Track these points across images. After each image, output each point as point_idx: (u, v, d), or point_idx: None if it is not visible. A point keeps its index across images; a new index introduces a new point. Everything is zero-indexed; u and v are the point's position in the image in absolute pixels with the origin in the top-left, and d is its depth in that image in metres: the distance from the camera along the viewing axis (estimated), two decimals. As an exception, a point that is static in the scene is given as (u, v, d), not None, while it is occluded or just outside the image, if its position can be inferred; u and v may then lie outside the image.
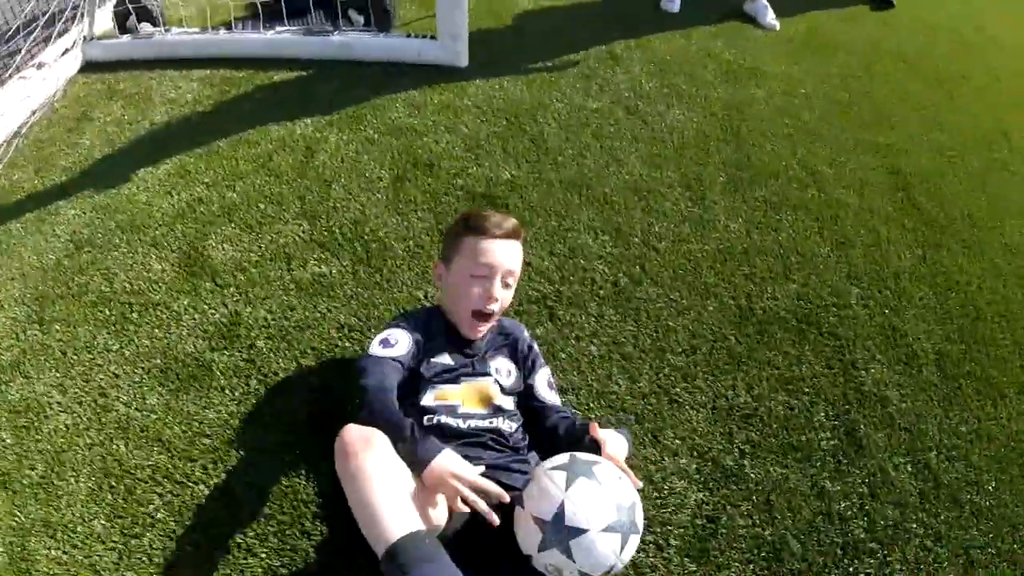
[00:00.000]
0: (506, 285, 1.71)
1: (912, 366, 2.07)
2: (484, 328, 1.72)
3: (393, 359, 1.61)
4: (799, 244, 2.47)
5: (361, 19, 3.53)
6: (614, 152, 2.86)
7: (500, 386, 1.68)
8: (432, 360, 1.67)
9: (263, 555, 1.60)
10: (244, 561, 1.59)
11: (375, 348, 1.65)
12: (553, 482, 1.32)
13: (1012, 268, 2.55)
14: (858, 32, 4.09)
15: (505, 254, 1.69)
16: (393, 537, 1.21)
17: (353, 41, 3.41)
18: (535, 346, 1.84)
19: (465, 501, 1.32)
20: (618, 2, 4.06)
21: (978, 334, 2.23)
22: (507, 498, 1.35)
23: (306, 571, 1.58)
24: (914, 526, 1.71)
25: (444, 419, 1.58)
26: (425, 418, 1.58)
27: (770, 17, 4.01)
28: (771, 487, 1.75)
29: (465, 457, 1.43)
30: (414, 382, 1.64)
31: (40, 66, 3.20)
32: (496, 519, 1.32)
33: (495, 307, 1.68)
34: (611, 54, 3.53)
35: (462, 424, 1.58)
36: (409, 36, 3.47)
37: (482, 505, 1.32)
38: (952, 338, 2.20)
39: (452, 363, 1.67)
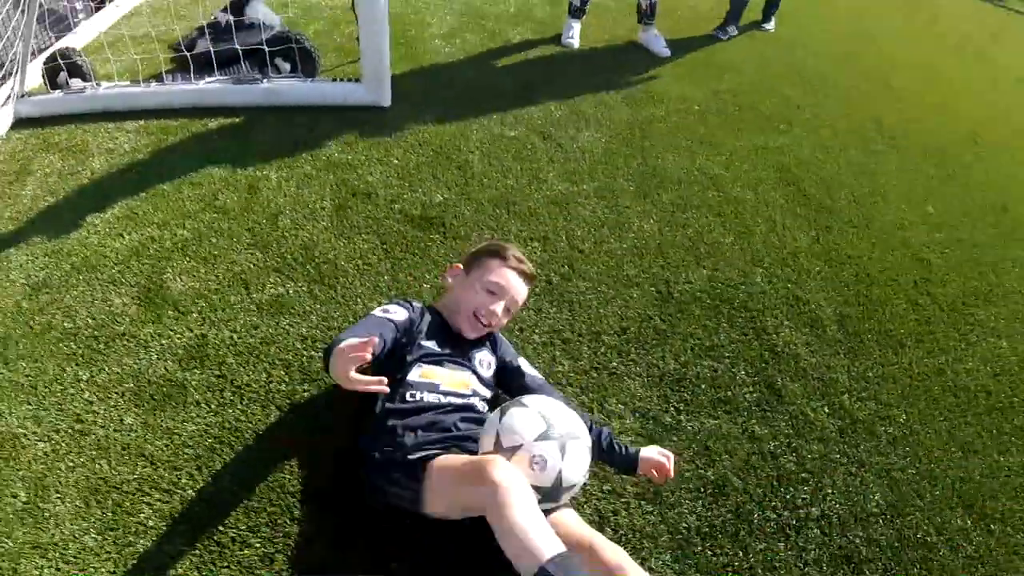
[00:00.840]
0: (506, 310, 1.95)
1: (817, 327, 2.38)
2: (475, 334, 1.93)
3: (388, 319, 1.81)
4: (705, 236, 2.78)
5: (288, 66, 3.71)
6: (534, 172, 3.12)
7: (479, 376, 1.89)
8: (423, 343, 1.86)
9: (257, 544, 1.73)
10: (240, 552, 1.71)
11: (374, 311, 1.84)
12: (489, 420, 1.57)
13: (897, 239, 2.95)
14: (747, 52, 4.57)
15: (518, 285, 1.98)
16: (544, 557, 1.31)
17: (282, 88, 3.59)
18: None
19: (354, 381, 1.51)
20: (525, 44, 4.39)
21: (873, 296, 2.58)
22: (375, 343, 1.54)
23: (301, 555, 1.71)
24: (838, 456, 1.98)
25: (426, 396, 1.77)
26: (408, 394, 1.77)
27: (661, 45, 4.42)
28: (707, 436, 2.00)
29: (438, 424, 1.63)
30: (401, 360, 1.83)
31: (-30, 122, 3.25)
32: (385, 388, 1.54)
33: (494, 322, 1.91)
34: (524, 87, 3.83)
35: (442, 399, 1.78)
36: (335, 80, 3.67)
37: (363, 387, 1.52)
38: (851, 302, 2.53)
39: (439, 349, 1.87)
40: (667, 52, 4.40)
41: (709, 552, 1.74)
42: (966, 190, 3.43)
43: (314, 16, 4.53)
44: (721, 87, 4.05)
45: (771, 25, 4.76)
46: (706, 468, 1.93)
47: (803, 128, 3.71)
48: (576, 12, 4.41)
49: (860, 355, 2.32)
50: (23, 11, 3.35)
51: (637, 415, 2.05)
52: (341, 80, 3.67)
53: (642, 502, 1.84)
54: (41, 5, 3.54)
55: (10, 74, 3.44)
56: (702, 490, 1.88)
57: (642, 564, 1.63)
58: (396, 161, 3.15)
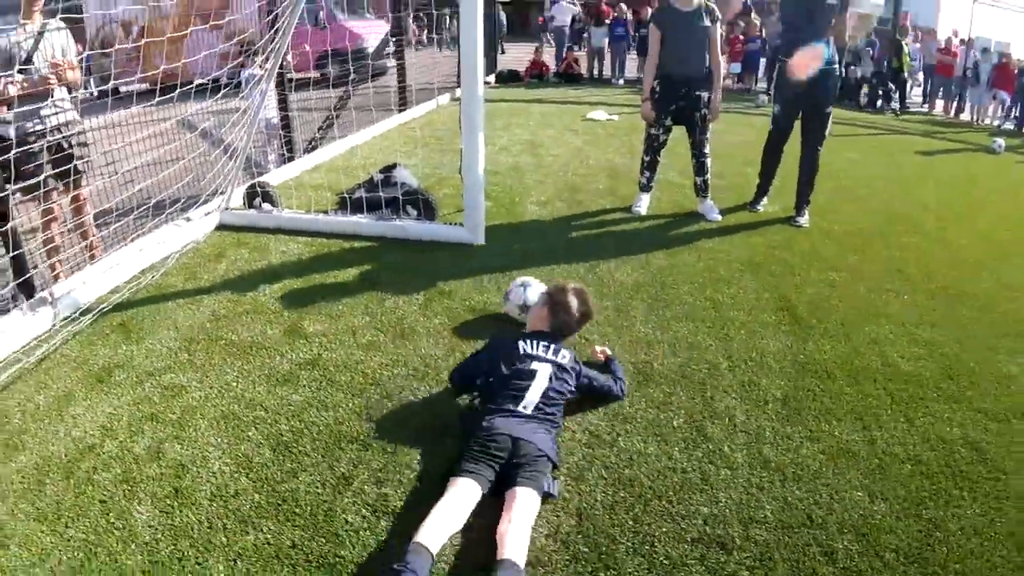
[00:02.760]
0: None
1: (760, 402, 3.03)
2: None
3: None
4: (691, 338, 3.55)
5: (414, 212, 5.04)
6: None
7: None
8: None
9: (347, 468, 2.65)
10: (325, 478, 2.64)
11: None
12: None
13: (868, 345, 3.54)
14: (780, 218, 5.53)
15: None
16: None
17: (409, 226, 4.90)
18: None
19: None
20: (603, 211, 5.55)
21: (823, 385, 3.16)
22: None
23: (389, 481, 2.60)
24: (742, 482, 2.52)
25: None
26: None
27: (714, 213, 5.41)
28: (634, 452, 2.74)
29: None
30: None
31: (188, 219, 4.73)
32: None
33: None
34: (586, 239, 4.93)
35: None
36: (446, 224, 4.95)
37: None
38: (800, 387, 3.13)
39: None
40: (718, 218, 5.37)
41: (608, 519, 2.38)
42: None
43: (441, 181, 5.98)
44: (758, 240, 4.94)
45: (804, 220, 5.36)
46: (624, 469, 2.62)
47: (818, 272, 4.41)
48: (644, 188, 5.54)
49: (792, 422, 2.93)
50: (233, 159, 4.93)
51: (587, 434, 2.83)
52: (450, 224, 4.93)
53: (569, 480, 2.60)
54: (247, 157, 5.14)
55: (221, 194, 4.96)
56: (614, 481, 2.56)
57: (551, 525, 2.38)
58: (473, 277, 4.23)
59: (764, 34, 14.59)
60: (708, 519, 2.39)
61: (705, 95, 5.08)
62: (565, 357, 2.84)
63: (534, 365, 2.73)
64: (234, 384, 3.11)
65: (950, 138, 10.35)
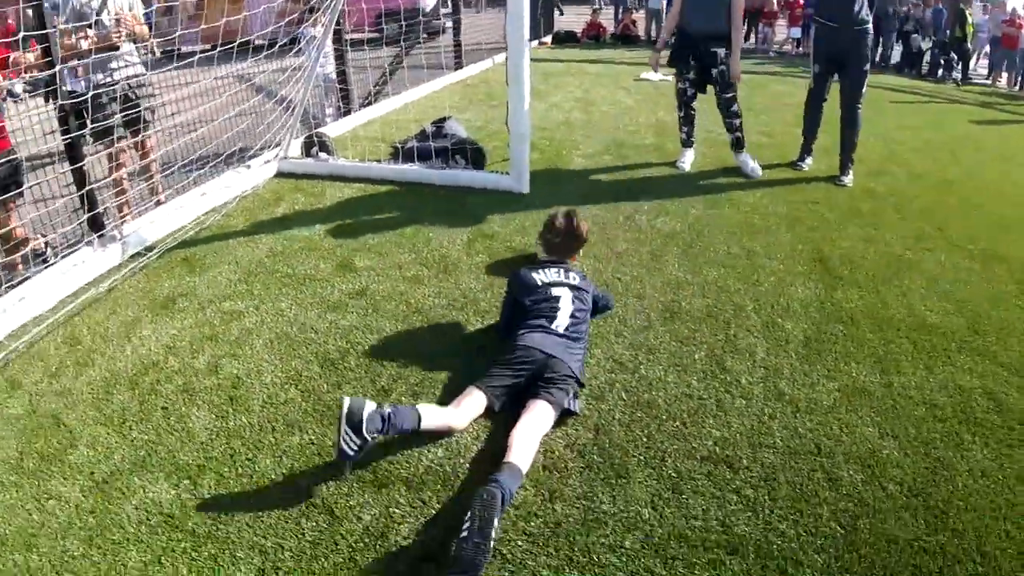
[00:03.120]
0: None
1: (780, 341, 3.17)
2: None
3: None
4: (720, 282, 3.64)
5: (463, 161, 5.22)
6: (609, 240, 4.17)
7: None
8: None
9: (359, 378, 2.88)
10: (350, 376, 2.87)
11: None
12: None
13: (895, 296, 3.57)
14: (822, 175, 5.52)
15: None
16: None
17: (457, 173, 5.08)
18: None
19: None
20: (647, 166, 5.64)
21: (847, 331, 3.26)
22: None
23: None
24: (755, 412, 2.67)
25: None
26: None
27: (750, 167, 5.40)
28: (655, 380, 2.90)
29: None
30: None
31: (248, 167, 5.01)
32: None
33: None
34: (629, 190, 5.03)
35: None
36: (493, 172, 5.12)
37: None
38: (823, 330, 3.21)
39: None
40: (758, 173, 5.36)
41: (623, 435, 2.55)
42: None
43: (492, 135, 6.14)
44: (795, 198, 4.95)
45: (848, 179, 5.34)
46: (643, 393, 2.78)
47: (859, 229, 4.41)
48: (685, 143, 5.58)
49: (811, 362, 3.04)
50: (291, 112, 5.17)
51: (611, 361, 2.99)
52: (497, 172, 5.09)
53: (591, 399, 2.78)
54: (305, 110, 5.38)
55: (279, 144, 5.22)
56: (632, 403, 2.73)
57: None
58: (516, 221, 4.40)
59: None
60: (718, 441, 2.54)
61: (721, 51, 5.07)
62: (575, 278, 3.00)
63: (555, 291, 2.88)
64: (288, 311, 3.37)
65: (1009, 110, 9.95)
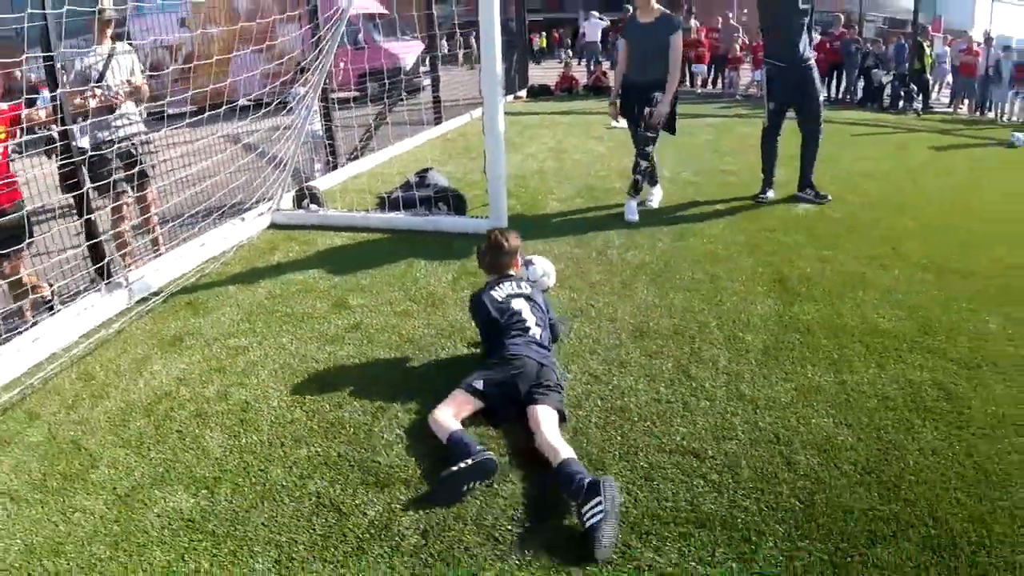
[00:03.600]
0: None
1: (740, 351, 3.47)
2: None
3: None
4: (685, 304, 3.92)
5: (445, 208, 5.56)
6: (583, 271, 4.49)
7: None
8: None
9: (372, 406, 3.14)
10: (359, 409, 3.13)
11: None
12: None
13: (848, 307, 3.87)
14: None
15: None
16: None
17: (440, 219, 5.42)
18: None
19: None
20: (619, 206, 5.98)
21: (802, 340, 3.56)
22: None
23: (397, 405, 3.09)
24: (718, 413, 2.97)
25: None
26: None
27: (633, 215, 5.51)
28: (625, 389, 3.18)
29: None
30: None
31: (243, 219, 5.32)
32: None
33: None
34: (600, 226, 5.37)
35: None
36: (474, 217, 5.45)
37: None
38: (781, 340, 3.47)
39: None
40: (635, 219, 5.49)
41: (599, 435, 2.79)
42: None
43: (472, 184, 6.49)
44: (756, 226, 5.30)
45: (809, 194, 5.78)
46: (616, 401, 3.03)
47: (814, 253, 4.72)
48: (651, 183, 5.89)
49: (769, 367, 3.28)
50: (283, 167, 5.52)
51: (587, 375, 3.26)
52: (476, 217, 5.43)
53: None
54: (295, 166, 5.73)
55: (271, 199, 5.54)
56: (607, 409, 2.98)
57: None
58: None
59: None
60: (685, 436, 2.81)
61: (658, 95, 5.32)
62: (525, 287, 3.31)
63: (514, 304, 3.15)
64: (289, 345, 3.63)
65: (969, 135, 10.47)
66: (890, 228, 5.32)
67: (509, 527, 2.35)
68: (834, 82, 14.49)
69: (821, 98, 5.72)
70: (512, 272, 3.39)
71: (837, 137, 8.79)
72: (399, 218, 5.46)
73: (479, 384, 2.88)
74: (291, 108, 5.94)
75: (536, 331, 3.09)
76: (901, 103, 13.16)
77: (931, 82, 14.56)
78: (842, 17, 15.93)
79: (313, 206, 5.63)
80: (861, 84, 14.23)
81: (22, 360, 3.50)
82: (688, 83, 16.02)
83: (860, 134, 10.03)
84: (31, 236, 4.05)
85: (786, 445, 2.76)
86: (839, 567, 2.16)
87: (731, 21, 16.21)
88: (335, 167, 7.27)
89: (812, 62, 5.66)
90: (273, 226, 5.61)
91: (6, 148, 4.32)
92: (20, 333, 3.65)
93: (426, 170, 6.26)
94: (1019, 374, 3.18)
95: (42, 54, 3.76)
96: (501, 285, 3.28)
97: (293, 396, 3.16)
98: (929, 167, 7.81)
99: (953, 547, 2.22)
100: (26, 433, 3.00)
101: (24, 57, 3.80)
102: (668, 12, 5.45)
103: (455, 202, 5.56)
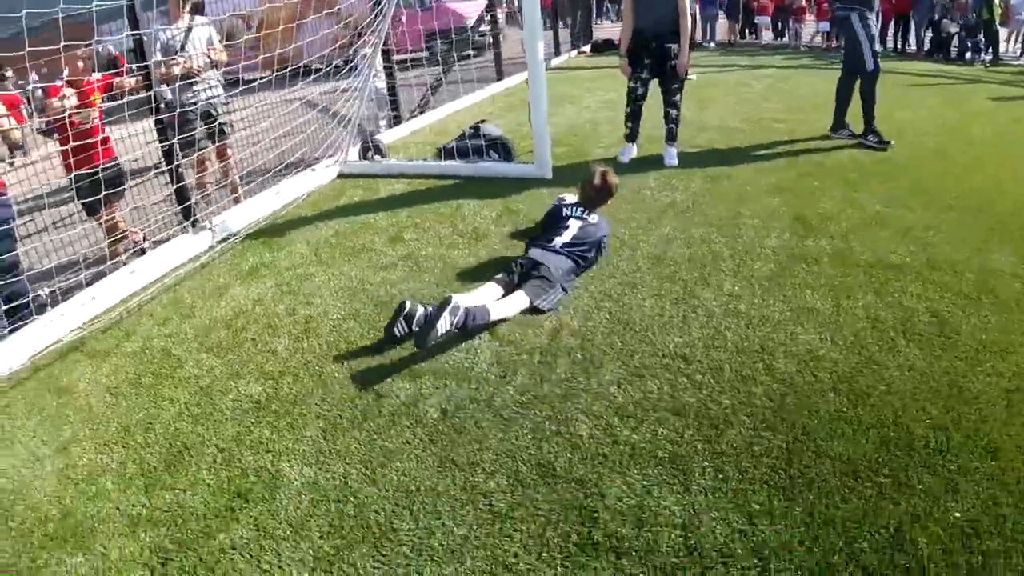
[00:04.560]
0: None
1: (746, 277, 3.78)
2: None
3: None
4: (704, 236, 4.22)
5: (495, 156, 6.00)
6: (621, 213, 4.87)
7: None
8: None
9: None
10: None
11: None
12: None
13: (866, 247, 4.03)
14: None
15: None
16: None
17: (492, 165, 5.87)
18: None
19: None
20: (653, 154, 6.28)
21: (809, 265, 3.82)
22: None
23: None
24: (726, 331, 3.37)
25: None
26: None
27: (673, 159, 5.74)
28: (630, 304, 3.58)
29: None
30: None
31: (314, 170, 5.91)
32: None
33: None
34: (640, 169, 5.71)
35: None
36: (520, 163, 5.88)
37: None
38: (787, 269, 3.73)
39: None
40: (675, 163, 5.79)
41: (602, 340, 3.18)
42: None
43: (526, 135, 6.87)
44: (786, 171, 5.47)
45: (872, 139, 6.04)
46: (622, 315, 3.43)
47: (842, 196, 4.88)
48: (628, 138, 6.02)
49: (771, 291, 3.54)
50: (346, 127, 6.06)
51: (601, 294, 3.68)
52: (524, 163, 5.86)
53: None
54: (359, 124, 6.27)
55: (340, 151, 6.10)
56: (613, 320, 3.43)
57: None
58: (538, 200, 5.10)
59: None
60: (679, 344, 3.20)
61: (674, 47, 5.48)
62: (594, 218, 3.97)
63: (568, 222, 3.90)
64: (349, 272, 4.18)
65: None
66: (923, 171, 5.43)
67: (516, 408, 2.83)
68: (900, 32, 14.01)
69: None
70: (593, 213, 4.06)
71: (896, 87, 8.69)
72: (452, 165, 5.93)
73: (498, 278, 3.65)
74: (359, 70, 6.45)
75: (564, 239, 3.79)
76: (968, 54, 12.73)
77: (1009, 33, 13.92)
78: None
79: (377, 157, 6.16)
80: (929, 35, 13.78)
81: (121, 289, 4.17)
82: (753, 34, 15.80)
83: (920, 84, 9.83)
84: (125, 188, 4.74)
85: (770, 354, 3.10)
86: (793, 454, 2.50)
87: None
88: (398, 121, 7.79)
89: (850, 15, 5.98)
90: (341, 176, 6.18)
91: (101, 112, 5.02)
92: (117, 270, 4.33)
93: (481, 122, 6.70)
94: (1019, 308, 3.35)
95: (129, 33, 4.37)
96: (577, 208, 4.01)
97: (349, 311, 3.70)
98: (982, 117, 7.66)
99: (910, 449, 2.46)
100: (124, 345, 3.64)
101: (96, 39, 4.44)
102: None
103: (503, 150, 5.99)
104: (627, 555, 2.15)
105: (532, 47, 5.15)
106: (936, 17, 13.35)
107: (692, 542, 2.19)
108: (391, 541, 2.25)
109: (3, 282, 3.61)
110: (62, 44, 3.85)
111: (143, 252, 4.70)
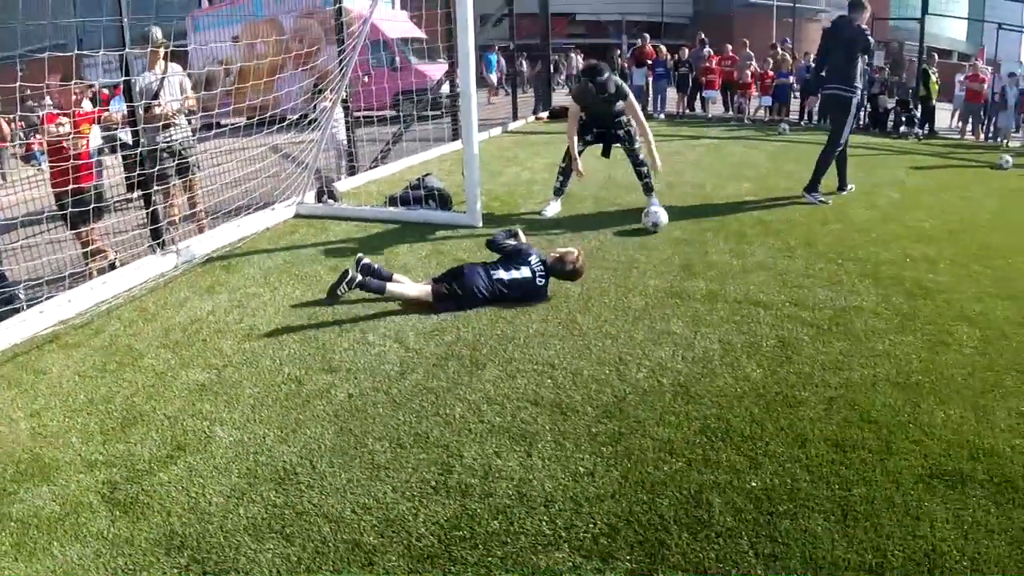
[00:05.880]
0: None
1: (621, 309, 4.56)
2: None
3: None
4: (597, 278, 5.06)
5: (433, 204, 6.81)
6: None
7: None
8: None
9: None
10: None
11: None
12: None
13: (735, 285, 4.66)
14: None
15: None
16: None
17: (429, 213, 6.67)
18: None
19: None
20: (585, 209, 7.14)
21: (684, 299, 4.58)
22: None
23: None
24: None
25: None
26: None
27: (655, 210, 6.47)
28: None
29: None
30: None
31: (273, 209, 6.67)
32: None
33: None
34: (557, 224, 6.53)
35: None
36: (455, 212, 6.69)
37: None
38: (659, 301, 4.58)
39: None
40: (663, 220, 6.68)
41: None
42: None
43: (456, 185, 7.71)
44: (692, 226, 6.41)
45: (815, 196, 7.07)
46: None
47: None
48: (558, 192, 6.94)
49: (638, 319, 4.37)
50: (305, 170, 6.85)
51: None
52: (458, 211, 6.67)
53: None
54: (317, 170, 7.07)
55: (298, 193, 6.88)
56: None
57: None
58: (463, 243, 5.89)
59: (794, 69, 15.78)
60: (550, 355, 3.90)
61: (623, 118, 6.53)
62: (545, 285, 4.61)
63: (523, 269, 4.53)
64: (292, 293, 4.88)
65: (962, 157, 10.98)
66: (819, 230, 6.18)
67: (408, 396, 3.54)
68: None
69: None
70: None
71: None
72: (395, 211, 6.72)
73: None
74: (318, 122, 7.26)
75: (502, 274, 4.52)
76: (902, 128, 13.53)
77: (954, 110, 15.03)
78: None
79: (330, 201, 6.93)
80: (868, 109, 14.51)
81: (94, 296, 4.83)
82: (701, 108, 17.01)
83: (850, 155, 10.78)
84: (102, 211, 5.47)
85: (624, 364, 3.84)
86: (623, 436, 3.21)
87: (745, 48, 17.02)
88: (353, 170, 8.61)
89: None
90: (297, 215, 6.93)
91: (87, 140, 5.76)
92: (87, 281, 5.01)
93: (426, 175, 7.52)
94: (867, 338, 3.99)
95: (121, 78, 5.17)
96: (542, 268, 4.60)
97: (287, 322, 4.40)
98: (893, 184, 8.48)
99: (726, 436, 3.11)
100: (93, 340, 4.28)
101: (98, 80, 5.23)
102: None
103: (441, 200, 6.79)
104: (470, 496, 2.84)
105: (467, 116, 6.01)
106: (875, 91, 14.08)
107: (523, 491, 2.86)
108: (291, 482, 2.92)
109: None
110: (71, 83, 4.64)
111: (114, 267, 5.37)
